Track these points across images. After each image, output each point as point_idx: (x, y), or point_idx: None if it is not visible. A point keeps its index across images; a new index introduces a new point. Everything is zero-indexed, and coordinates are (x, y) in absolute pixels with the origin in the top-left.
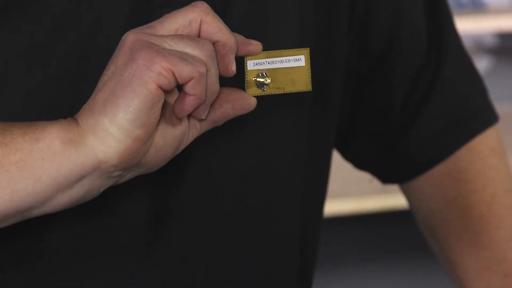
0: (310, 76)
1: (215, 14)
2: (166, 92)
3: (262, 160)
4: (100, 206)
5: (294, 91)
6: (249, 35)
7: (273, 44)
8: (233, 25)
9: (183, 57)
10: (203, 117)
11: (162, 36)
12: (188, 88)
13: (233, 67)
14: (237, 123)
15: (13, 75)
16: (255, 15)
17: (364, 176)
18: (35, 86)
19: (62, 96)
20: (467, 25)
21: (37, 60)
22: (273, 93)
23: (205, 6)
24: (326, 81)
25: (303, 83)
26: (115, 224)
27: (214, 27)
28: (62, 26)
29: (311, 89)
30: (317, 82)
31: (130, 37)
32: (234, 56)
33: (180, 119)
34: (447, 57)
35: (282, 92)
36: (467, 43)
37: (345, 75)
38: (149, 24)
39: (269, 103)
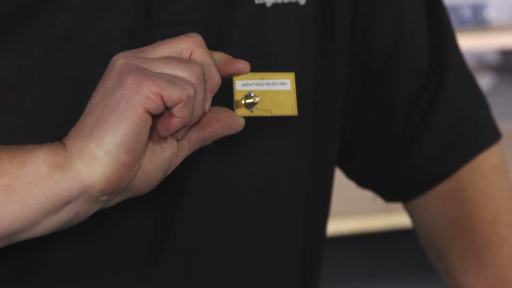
0: (296, 101)
1: (207, 49)
2: (154, 116)
3: (263, 178)
4: (99, 224)
5: (281, 114)
6: (249, 52)
7: (272, 62)
8: (233, 41)
9: (172, 80)
10: (180, 138)
11: (152, 58)
12: (175, 110)
13: (207, 105)
14: (239, 141)
15: (15, 93)
16: (255, 34)
17: (368, 195)
18: (37, 104)
19: (63, 115)
20: (469, 42)
21: (39, 78)
22: (261, 115)
23: (199, 38)
24: (327, 98)
25: (289, 108)
26: (115, 243)
27: (203, 61)
28: (63, 45)
29: (297, 114)
30: (318, 100)
31: (120, 61)
32: (212, 96)
33: (169, 142)
34: (449, 74)
35: (269, 114)
36: (469, 60)
37: (346, 93)
38: (141, 48)
39: (268, 122)
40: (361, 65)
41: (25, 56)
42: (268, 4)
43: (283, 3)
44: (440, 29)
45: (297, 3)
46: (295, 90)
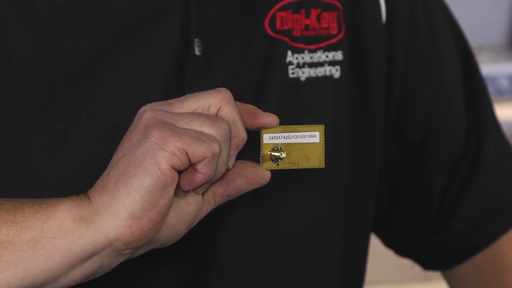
0: (323, 153)
1: (235, 106)
2: (180, 171)
3: (297, 232)
4: (133, 274)
5: (308, 167)
6: (282, 124)
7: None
8: (271, 106)
9: (198, 136)
10: (201, 192)
11: (180, 113)
12: (199, 166)
13: (231, 162)
14: (272, 194)
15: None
16: (289, 106)
17: (406, 263)
18: (65, 180)
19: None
20: (507, 112)
21: (72, 151)
22: (287, 168)
23: (227, 94)
24: (361, 163)
25: (317, 160)
26: None
27: (230, 118)
28: (98, 127)
29: (324, 166)
30: (353, 163)
31: (147, 114)
32: (236, 153)
33: (194, 196)
34: (486, 145)
35: (295, 167)
36: (507, 131)
37: (383, 164)
38: (169, 101)
39: (302, 175)
40: (397, 136)
41: (57, 129)
42: (302, 78)
43: (317, 77)
44: (477, 100)
45: (331, 77)
46: (323, 142)
